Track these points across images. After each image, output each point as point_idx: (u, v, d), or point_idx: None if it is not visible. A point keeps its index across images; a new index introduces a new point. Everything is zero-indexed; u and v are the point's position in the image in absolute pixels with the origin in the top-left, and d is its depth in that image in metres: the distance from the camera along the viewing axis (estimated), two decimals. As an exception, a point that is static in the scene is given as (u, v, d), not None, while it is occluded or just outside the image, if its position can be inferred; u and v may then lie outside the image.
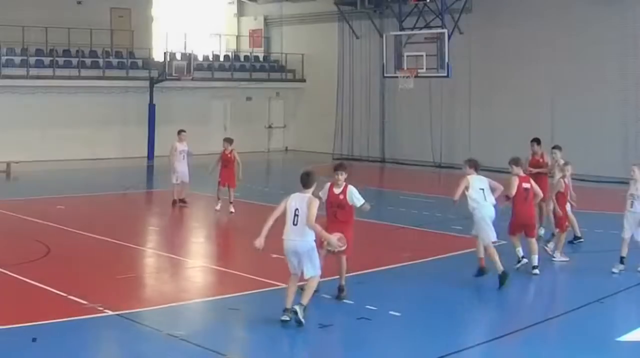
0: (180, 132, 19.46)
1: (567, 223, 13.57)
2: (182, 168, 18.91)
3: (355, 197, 10.44)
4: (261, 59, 36.99)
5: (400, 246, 14.86)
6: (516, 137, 28.40)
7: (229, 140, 18.56)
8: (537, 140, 16.10)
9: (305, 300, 9.43)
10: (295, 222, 9.26)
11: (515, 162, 12.53)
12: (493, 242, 11.79)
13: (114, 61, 31.46)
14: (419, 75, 26.13)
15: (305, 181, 9.49)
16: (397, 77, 26.73)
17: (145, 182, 22.81)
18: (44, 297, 10.60)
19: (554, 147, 15.65)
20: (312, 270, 9.42)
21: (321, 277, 9.79)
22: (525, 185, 12.27)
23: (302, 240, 9.27)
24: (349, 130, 33.67)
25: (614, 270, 12.49)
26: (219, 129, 34.02)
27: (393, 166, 31.36)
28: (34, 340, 8.69)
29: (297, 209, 9.27)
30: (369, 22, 31.66)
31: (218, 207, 18.34)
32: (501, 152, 27.44)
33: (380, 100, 32.80)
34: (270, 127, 36.09)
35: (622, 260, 12.53)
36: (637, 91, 25.34)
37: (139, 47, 32.52)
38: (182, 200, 19.01)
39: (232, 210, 18.19)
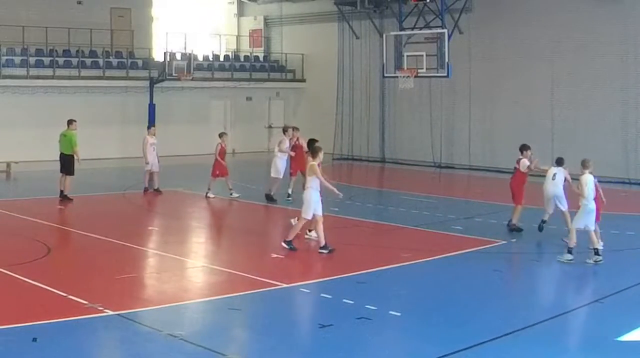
0: (150, 126, 22.54)
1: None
2: (152, 159, 21.22)
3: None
4: (261, 59, 36.97)
5: (400, 246, 14.87)
6: (516, 137, 28.50)
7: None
8: None
9: (568, 224, 14.52)
10: (553, 178, 15.19)
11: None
12: None
13: (114, 61, 31.44)
14: (419, 75, 26.08)
15: (559, 161, 15.32)
16: (397, 77, 26.68)
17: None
18: (44, 297, 10.59)
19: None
20: (563, 206, 15.20)
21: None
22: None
23: (555, 188, 15.21)
24: (349, 130, 33.66)
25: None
26: (219, 129, 33.99)
27: (393, 166, 31.33)
28: (34, 340, 8.69)
29: (555, 174, 15.23)
30: (369, 22, 31.65)
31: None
32: (501, 151, 27.65)
33: (380, 100, 32.78)
34: (270, 127, 36.06)
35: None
36: (637, 91, 25.34)
37: (139, 47, 32.52)
38: (157, 190, 21.19)
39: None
